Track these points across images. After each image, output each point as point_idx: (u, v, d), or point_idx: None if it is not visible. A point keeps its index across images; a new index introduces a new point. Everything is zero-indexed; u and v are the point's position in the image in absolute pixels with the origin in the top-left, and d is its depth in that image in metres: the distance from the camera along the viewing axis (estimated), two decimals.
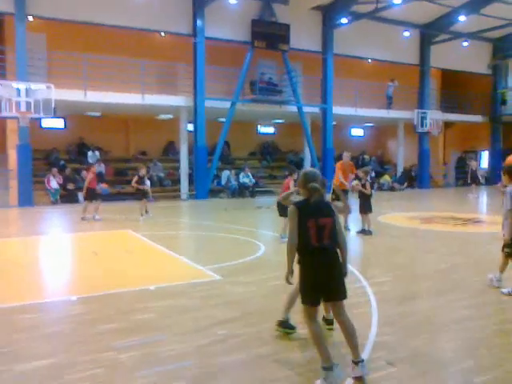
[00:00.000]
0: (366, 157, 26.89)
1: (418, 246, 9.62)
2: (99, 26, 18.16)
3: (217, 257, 8.34)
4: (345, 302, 3.88)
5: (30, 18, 17.05)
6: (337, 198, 12.07)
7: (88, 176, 13.83)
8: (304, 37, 21.93)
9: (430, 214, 14.34)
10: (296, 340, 4.58)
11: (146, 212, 13.56)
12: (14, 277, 7.04)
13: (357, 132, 29.66)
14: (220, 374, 3.95)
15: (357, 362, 3.76)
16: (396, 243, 9.83)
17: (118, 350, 4.29)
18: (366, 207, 10.81)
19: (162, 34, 20.03)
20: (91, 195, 13.41)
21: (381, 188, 24.46)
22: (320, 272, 3.78)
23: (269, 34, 20.84)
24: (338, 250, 3.87)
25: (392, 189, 24.30)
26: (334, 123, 23.41)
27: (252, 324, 5.01)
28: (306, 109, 22.15)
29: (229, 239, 10.16)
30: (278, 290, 6.22)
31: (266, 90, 21.15)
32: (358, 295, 5.93)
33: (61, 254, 9.02)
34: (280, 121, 25.56)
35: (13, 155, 17.24)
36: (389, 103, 25.30)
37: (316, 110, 22.82)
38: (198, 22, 19.39)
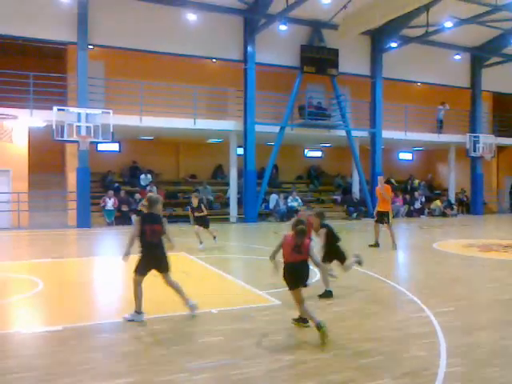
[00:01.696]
0: (416, 181, 26.42)
1: (479, 275, 9.38)
2: (154, 53, 18.94)
3: (273, 281, 8.38)
4: None
5: (91, 47, 17.94)
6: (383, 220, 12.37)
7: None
8: (353, 61, 22.07)
9: (487, 242, 13.93)
10: (367, 368, 4.56)
11: (214, 238, 12.90)
12: (84, 297, 7.33)
13: (405, 156, 29.27)
14: None
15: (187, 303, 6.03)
16: (455, 272, 9.61)
17: (192, 372, 4.41)
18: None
19: (214, 60, 20.62)
20: None
21: (431, 214, 23.95)
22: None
23: (318, 58, 21.10)
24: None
25: (444, 215, 23.73)
26: (382, 147, 23.25)
27: (319, 351, 5.03)
28: (354, 133, 22.13)
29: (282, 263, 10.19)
30: (339, 316, 6.24)
31: (315, 115, 21.33)
32: (422, 325, 5.84)
33: (124, 275, 9.30)
34: (327, 145, 25.61)
35: (72, 178, 18.00)
36: (439, 127, 24.93)
37: (364, 133, 22.76)
38: (249, 49, 19.88)
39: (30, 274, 8.44)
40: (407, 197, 24.33)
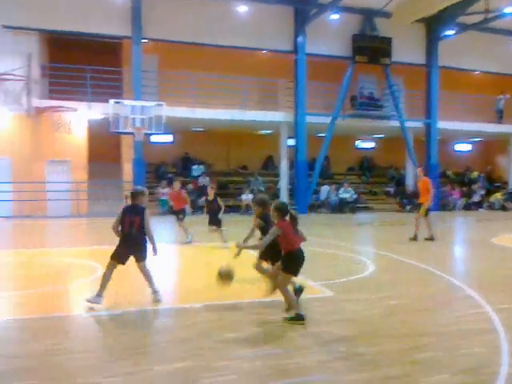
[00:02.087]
0: (474, 173, 25.44)
1: None
2: (205, 46, 19.17)
3: (325, 273, 8.36)
4: None
5: (144, 41, 18.35)
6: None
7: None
8: (407, 50, 21.47)
9: None
10: (424, 362, 4.48)
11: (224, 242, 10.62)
12: (141, 282, 7.56)
13: (462, 147, 28.24)
14: None
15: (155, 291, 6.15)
16: None
17: (247, 359, 4.47)
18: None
19: (264, 51, 20.61)
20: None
21: (491, 207, 23.03)
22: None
23: (370, 48, 20.68)
24: None
25: (504, 208, 22.76)
26: (438, 138, 22.54)
27: (373, 344, 4.97)
28: (408, 123, 21.57)
29: (334, 255, 10.14)
30: (394, 310, 6.13)
31: (367, 105, 20.94)
32: (482, 321, 5.65)
33: (182, 264, 9.53)
34: (380, 136, 25.10)
35: (127, 168, 18.59)
36: (499, 117, 23.88)
37: (419, 124, 22.13)
38: (299, 39, 19.73)
39: (90, 260, 8.79)
40: (464, 189, 23.49)
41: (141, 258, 6.18)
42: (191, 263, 9.63)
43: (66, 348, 4.80)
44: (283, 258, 5.62)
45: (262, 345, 4.86)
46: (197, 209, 19.04)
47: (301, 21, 19.55)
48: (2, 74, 8.43)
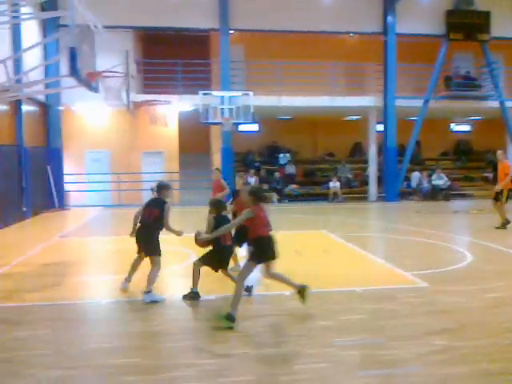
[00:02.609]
0: None
1: None
2: (291, 33, 19.07)
3: (419, 262, 8.08)
4: None
5: (231, 32, 18.64)
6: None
7: None
8: (508, 24, 19.85)
9: None
10: None
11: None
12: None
13: None
14: None
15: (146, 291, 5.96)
16: None
17: (339, 348, 4.47)
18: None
19: (351, 34, 20.09)
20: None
21: None
22: None
23: (466, 24, 19.40)
24: None
25: None
26: None
27: (472, 338, 4.75)
28: (509, 103, 20.04)
29: (427, 244, 9.76)
30: (495, 303, 5.79)
31: (463, 85, 19.72)
32: None
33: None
34: (477, 118, 23.57)
35: (216, 158, 19.10)
36: None
37: None
38: (389, 19, 18.98)
39: (183, 247, 9.18)
40: None
41: (149, 252, 6.23)
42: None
43: (162, 330, 5.09)
44: (253, 245, 5.41)
45: (354, 334, 4.83)
46: (283, 197, 19.19)
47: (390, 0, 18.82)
48: (103, 72, 8.97)
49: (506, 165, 11.73)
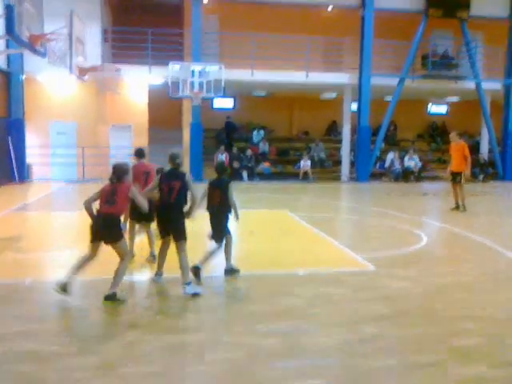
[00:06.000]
0: None
1: None
2: (267, 4, 18.44)
3: (373, 245, 7.80)
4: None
5: (205, 1, 17.91)
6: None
7: None
8: (488, 1, 19.41)
9: None
10: (461, 351, 3.94)
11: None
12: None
13: None
14: (363, 378, 3.55)
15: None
16: None
17: (260, 335, 4.16)
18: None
19: (330, 8, 19.49)
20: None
21: None
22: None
23: (446, 0, 18.95)
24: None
25: None
26: None
27: (408, 325, 4.48)
28: (485, 85, 19.76)
29: (388, 226, 9.48)
30: (441, 288, 5.55)
31: (440, 65, 19.36)
32: None
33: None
34: (454, 99, 23.29)
35: (186, 133, 18.57)
36: None
37: (498, 86, 20.22)
38: None
39: None
40: None
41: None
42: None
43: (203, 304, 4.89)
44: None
45: (282, 320, 4.52)
46: (254, 176, 18.82)
47: None
48: (48, 34, 8.34)
49: (463, 144, 11.46)
